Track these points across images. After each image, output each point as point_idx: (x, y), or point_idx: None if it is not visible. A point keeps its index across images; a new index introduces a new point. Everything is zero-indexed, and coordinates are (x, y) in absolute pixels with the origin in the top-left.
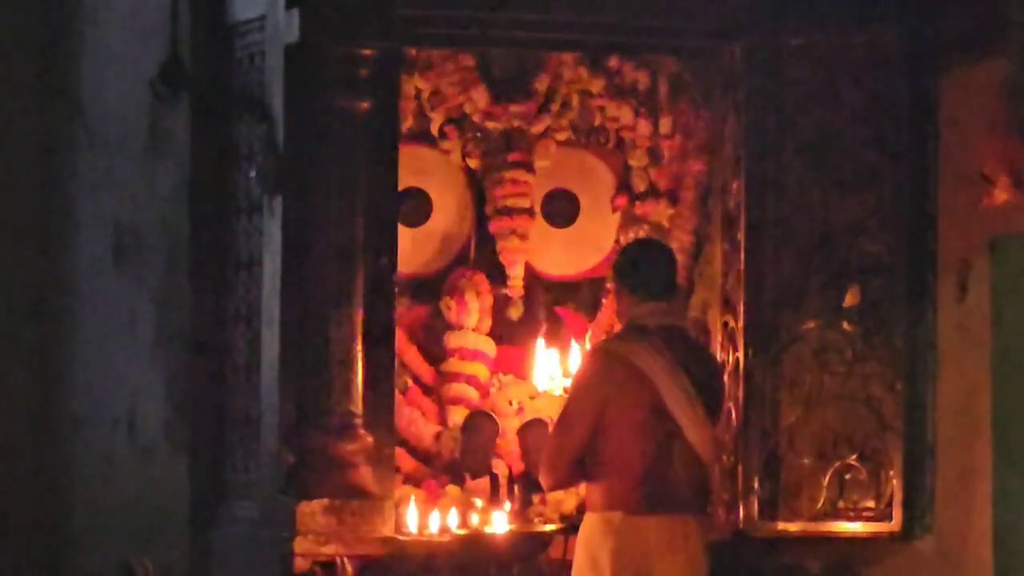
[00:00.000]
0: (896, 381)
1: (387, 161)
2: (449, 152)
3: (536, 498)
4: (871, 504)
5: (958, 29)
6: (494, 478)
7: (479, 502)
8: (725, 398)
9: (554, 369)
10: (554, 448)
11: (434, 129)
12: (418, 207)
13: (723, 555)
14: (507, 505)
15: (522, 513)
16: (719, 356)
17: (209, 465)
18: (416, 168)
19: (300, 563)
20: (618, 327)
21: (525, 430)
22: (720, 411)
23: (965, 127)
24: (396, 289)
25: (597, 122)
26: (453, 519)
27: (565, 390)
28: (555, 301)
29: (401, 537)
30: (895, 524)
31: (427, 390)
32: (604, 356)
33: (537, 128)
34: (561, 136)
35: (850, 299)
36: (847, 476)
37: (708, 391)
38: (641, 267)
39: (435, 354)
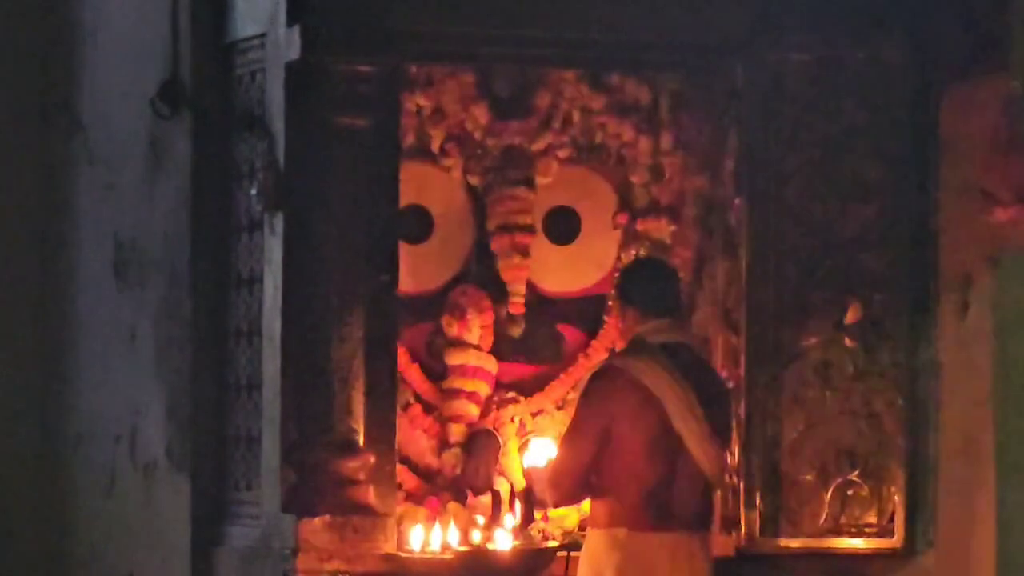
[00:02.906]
0: (898, 397)
1: (388, 178)
2: (450, 169)
3: (538, 515)
4: (873, 520)
5: (960, 45)
6: (496, 495)
7: (481, 519)
8: (730, 416)
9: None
10: (559, 465)
11: (435, 146)
12: (419, 224)
13: (725, 572)
14: (509, 522)
15: (524, 530)
16: (721, 373)
17: (210, 482)
18: (417, 185)
19: None
20: (621, 344)
21: (527, 447)
22: (729, 429)
23: (967, 143)
24: (397, 306)
25: (598, 139)
26: (455, 536)
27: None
28: (557, 318)
29: (403, 554)
30: (897, 540)
31: (428, 407)
32: (610, 373)
33: (538, 145)
34: (562, 153)
35: (852, 315)
36: (849, 492)
37: (714, 408)
38: (644, 284)
39: (436, 371)
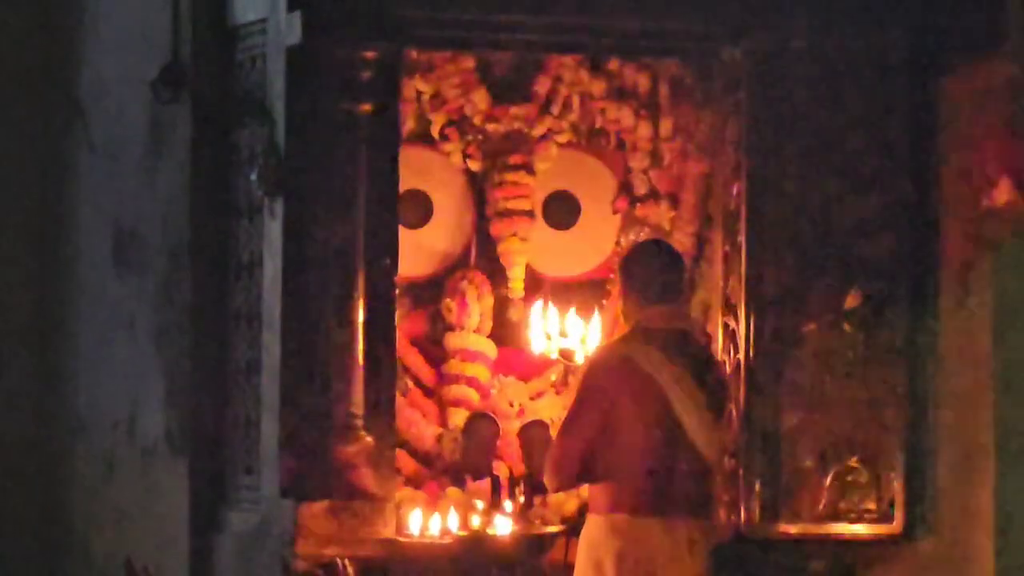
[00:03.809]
0: (897, 383)
1: (388, 163)
2: (450, 154)
3: (537, 500)
4: (872, 506)
5: (959, 32)
6: (495, 480)
7: (480, 504)
8: (728, 402)
9: (552, 330)
10: (559, 450)
11: (435, 131)
12: (419, 209)
13: (725, 557)
14: (508, 507)
15: (523, 515)
16: (720, 358)
17: (210, 467)
18: (417, 170)
19: (301, 565)
20: (621, 327)
21: (525, 431)
22: (723, 416)
23: (967, 129)
24: (397, 291)
25: (598, 124)
26: (454, 521)
27: (562, 352)
28: (556, 303)
29: (402, 539)
30: (896, 526)
31: (428, 392)
32: (611, 359)
33: (538, 130)
34: (562, 138)
35: (851, 301)
36: (848, 478)
37: (713, 395)
38: (649, 269)
39: (436, 356)
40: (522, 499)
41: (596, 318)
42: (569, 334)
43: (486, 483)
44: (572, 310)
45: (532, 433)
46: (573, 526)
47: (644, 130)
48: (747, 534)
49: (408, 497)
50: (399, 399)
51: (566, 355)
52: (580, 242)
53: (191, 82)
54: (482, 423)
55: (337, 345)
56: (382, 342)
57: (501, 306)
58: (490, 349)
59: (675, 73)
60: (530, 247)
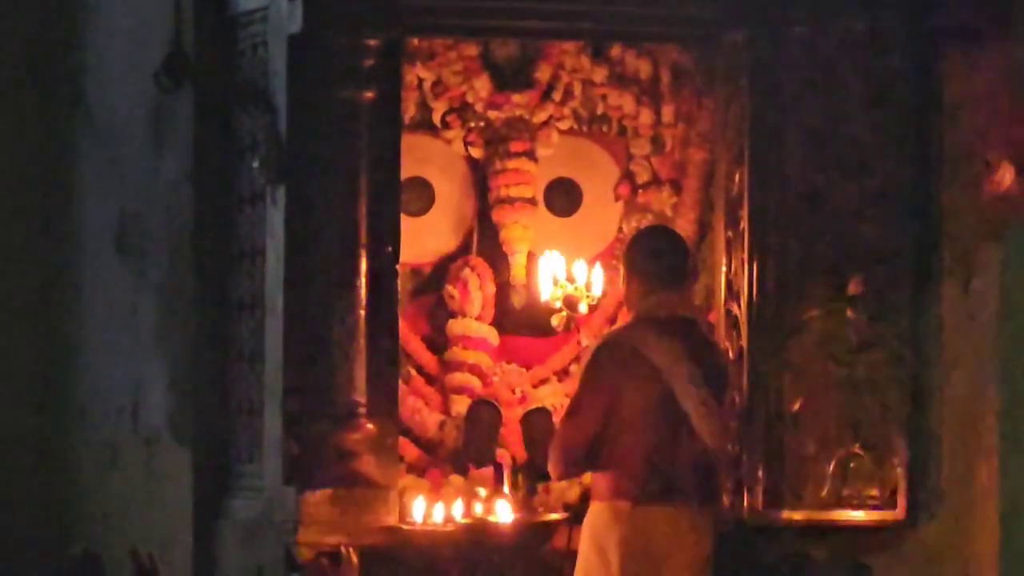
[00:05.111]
0: (900, 369)
1: (389, 151)
2: (451, 141)
3: (540, 487)
4: (876, 492)
5: (961, 14)
6: (498, 467)
7: (483, 491)
8: (730, 389)
9: (558, 275)
10: (562, 438)
11: (436, 118)
12: (420, 197)
13: (728, 544)
14: (510, 494)
15: (526, 502)
16: (723, 344)
17: (213, 455)
18: (418, 157)
19: (304, 553)
20: (625, 313)
21: (528, 418)
22: (725, 403)
23: (969, 113)
24: (399, 278)
25: (599, 111)
26: (457, 509)
27: (567, 298)
28: None
29: (405, 527)
30: (900, 512)
31: (430, 379)
32: (614, 347)
33: (539, 117)
34: (563, 125)
35: (854, 287)
36: (852, 464)
37: (716, 383)
38: (653, 257)
39: (438, 343)
40: (525, 486)
41: (598, 268)
42: (576, 279)
43: (489, 470)
44: (580, 258)
45: (535, 420)
46: (576, 513)
47: (646, 116)
48: (750, 521)
49: (411, 484)
50: (401, 387)
51: (570, 304)
52: (582, 229)
53: (193, 71)
54: (484, 410)
55: (339, 333)
56: (384, 330)
57: (503, 293)
58: (492, 336)
59: (676, 59)
60: (532, 234)
